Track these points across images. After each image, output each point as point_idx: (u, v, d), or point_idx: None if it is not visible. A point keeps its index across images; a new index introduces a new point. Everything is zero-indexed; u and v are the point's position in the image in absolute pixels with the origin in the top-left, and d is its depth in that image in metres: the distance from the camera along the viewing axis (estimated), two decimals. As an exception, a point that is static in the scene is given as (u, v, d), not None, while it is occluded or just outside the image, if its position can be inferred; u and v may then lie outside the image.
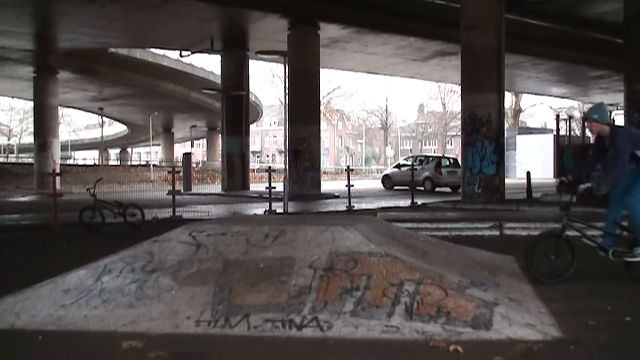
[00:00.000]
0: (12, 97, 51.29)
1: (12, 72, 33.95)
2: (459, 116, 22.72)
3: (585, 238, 6.62)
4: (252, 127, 41.52)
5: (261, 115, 56.12)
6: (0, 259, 8.43)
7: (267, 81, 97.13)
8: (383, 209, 15.65)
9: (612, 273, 6.79)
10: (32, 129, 40.04)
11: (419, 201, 17.49)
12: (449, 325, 4.54)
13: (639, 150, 6.30)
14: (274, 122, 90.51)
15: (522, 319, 4.64)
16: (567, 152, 17.95)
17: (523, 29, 23.10)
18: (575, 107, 63.22)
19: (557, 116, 20.40)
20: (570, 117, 21.31)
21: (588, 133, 30.01)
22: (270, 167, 19.04)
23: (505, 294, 5.28)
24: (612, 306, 5.24)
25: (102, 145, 60.17)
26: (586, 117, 6.58)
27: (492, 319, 4.56)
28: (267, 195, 16.26)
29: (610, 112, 6.74)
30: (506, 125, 37.99)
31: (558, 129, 19.60)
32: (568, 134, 20.02)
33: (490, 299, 4.88)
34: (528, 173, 18.98)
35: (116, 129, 72.13)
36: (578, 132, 30.43)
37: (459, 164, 24.80)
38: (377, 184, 31.07)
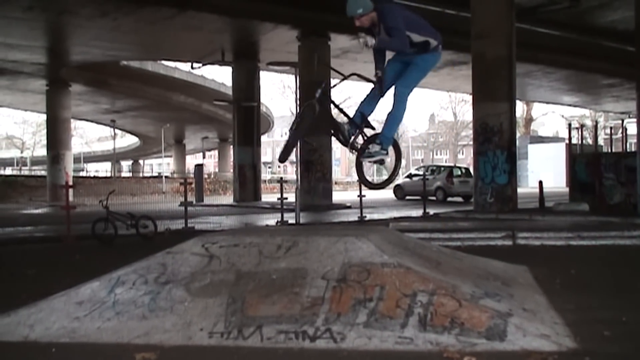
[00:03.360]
0: (25, 110, 51.73)
1: (25, 86, 34.23)
2: (470, 126, 22.67)
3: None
4: (264, 138, 41.64)
5: (272, 126, 56.26)
6: (13, 271, 8.47)
7: (278, 92, 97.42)
8: (395, 219, 15.63)
9: (627, 283, 6.75)
10: (44, 142, 40.27)
11: (431, 211, 17.46)
12: (463, 336, 4.51)
13: (413, 33, 5.69)
14: (285, 133, 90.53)
15: (537, 329, 4.61)
16: (579, 161, 17.87)
17: (534, 37, 23.07)
18: (587, 115, 63.02)
19: (569, 125, 20.35)
20: (582, 126, 21.24)
21: (601, 142, 29.78)
22: (282, 178, 19.11)
23: (519, 304, 5.25)
24: (628, 317, 5.19)
25: (114, 157, 60.33)
26: (351, 17, 5.66)
27: (507, 329, 4.53)
28: (279, 206, 16.28)
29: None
30: (518, 135, 37.84)
31: (570, 138, 19.54)
32: (580, 142, 19.97)
33: (504, 310, 4.85)
34: (540, 182, 18.92)
35: (128, 141, 72.49)
36: (590, 141, 30.28)
37: (470, 173, 24.76)
38: (389, 194, 31.05)
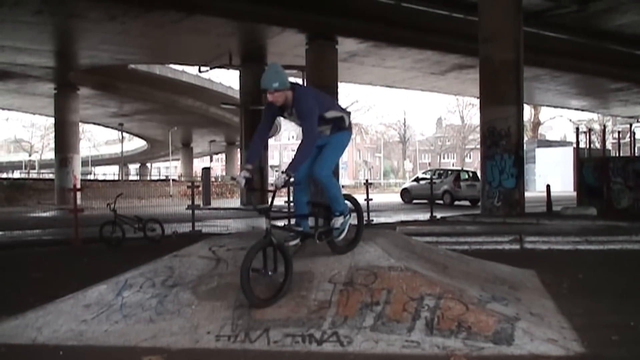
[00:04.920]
0: (34, 114, 51.81)
1: (34, 89, 34.33)
2: (478, 129, 22.63)
3: (289, 237, 5.57)
4: (271, 142, 41.70)
5: (279, 129, 56.22)
6: (21, 274, 8.50)
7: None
8: (402, 222, 15.60)
9: (635, 288, 6.73)
10: (53, 145, 40.32)
11: (438, 215, 17.42)
12: (470, 340, 4.50)
13: (330, 110, 5.48)
14: (293, 137, 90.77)
15: (544, 334, 4.60)
16: (587, 165, 17.81)
17: (541, 41, 23.02)
18: (595, 119, 62.82)
19: (577, 129, 20.27)
20: (590, 130, 21.17)
21: (609, 146, 29.71)
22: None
23: (527, 308, 5.24)
24: (636, 321, 5.18)
25: (122, 160, 60.59)
26: (264, 89, 5.23)
27: (514, 334, 4.53)
28: (286, 210, 16.27)
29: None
30: (525, 138, 37.81)
31: (578, 142, 19.46)
32: (588, 146, 19.89)
33: (512, 314, 4.85)
34: (548, 186, 18.85)
35: (136, 144, 72.64)
36: (598, 145, 30.19)
37: (478, 177, 24.71)
38: (396, 198, 31.03)
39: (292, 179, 5.14)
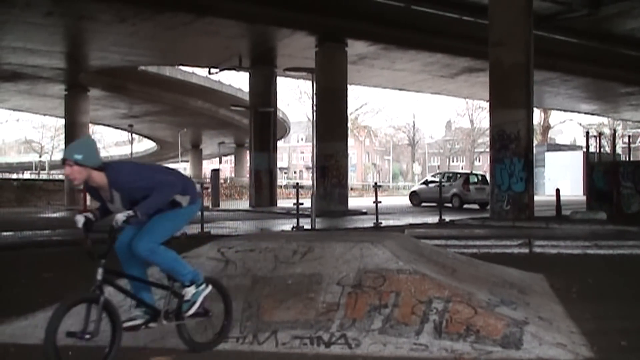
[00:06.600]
0: (44, 115, 52.03)
1: (44, 90, 34.50)
2: (487, 133, 22.56)
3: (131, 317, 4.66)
4: (280, 144, 41.72)
5: (289, 131, 56.35)
6: (31, 274, 8.53)
7: (295, 97, 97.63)
8: (411, 225, 15.57)
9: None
10: (63, 146, 40.57)
11: (447, 218, 17.39)
12: (478, 344, 4.50)
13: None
14: (302, 139, 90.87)
15: (553, 338, 4.58)
16: (597, 169, 17.76)
17: (552, 45, 22.97)
18: (605, 123, 62.58)
19: (587, 133, 20.22)
20: (600, 134, 21.08)
21: (619, 150, 29.61)
22: (297, 184, 19.16)
23: (536, 312, 5.22)
24: (645, 326, 5.16)
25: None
26: (63, 159, 4.27)
27: (522, 338, 4.52)
28: (295, 212, 16.29)
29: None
30: (535, 142, 37.70)
31: (588, 146, 19.41)
32: (598, 151, 19.81)
33: (520, 318, 4.83)
34: (557, 190, 18.80)
35: (145, 145, 72.82)
36: (608, 149, 30.07)
37: (487, 180, 24.65)
38: (405, 201, 31.01)
39: (137, 216, 4.30)
